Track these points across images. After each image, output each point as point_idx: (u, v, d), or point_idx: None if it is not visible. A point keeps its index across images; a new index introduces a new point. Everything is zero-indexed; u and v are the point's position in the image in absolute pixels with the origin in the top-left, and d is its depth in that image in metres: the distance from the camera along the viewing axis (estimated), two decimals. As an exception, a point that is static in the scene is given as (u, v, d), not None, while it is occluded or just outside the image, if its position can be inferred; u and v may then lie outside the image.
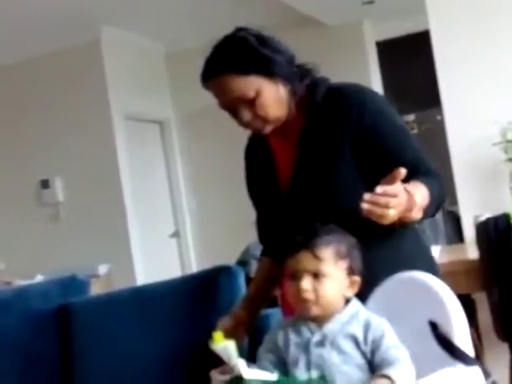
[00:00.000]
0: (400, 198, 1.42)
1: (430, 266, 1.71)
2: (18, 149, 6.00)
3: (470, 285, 3.01)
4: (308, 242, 1.48)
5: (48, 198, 5.92)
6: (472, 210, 3.65)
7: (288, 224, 1.73)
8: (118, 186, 5.75)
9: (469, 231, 3.78)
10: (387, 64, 6.31)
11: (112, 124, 5.77)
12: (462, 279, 2.93)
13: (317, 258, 1.46)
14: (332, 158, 1.69)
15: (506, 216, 2.75)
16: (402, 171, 1.43)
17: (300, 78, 1.74)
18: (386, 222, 1.42)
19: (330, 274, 1.46)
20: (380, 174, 1.51)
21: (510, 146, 3.76)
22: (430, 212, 1.61)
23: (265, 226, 1.90)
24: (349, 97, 1.72)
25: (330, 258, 1.47)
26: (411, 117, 5.85)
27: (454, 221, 4.48)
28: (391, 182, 1.43)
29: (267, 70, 1.68)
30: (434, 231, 4.45)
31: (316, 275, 1.46)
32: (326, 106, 1.74)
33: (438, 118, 5.06)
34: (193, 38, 5.87)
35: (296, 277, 1.48)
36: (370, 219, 1.42)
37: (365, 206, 1.39)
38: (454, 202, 4.04)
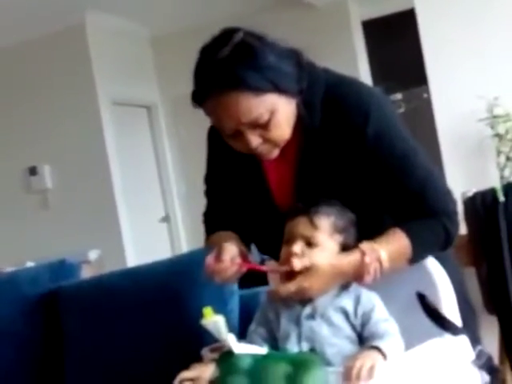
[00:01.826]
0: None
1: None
2: (5, 136, 5.97)
3: (459, 260, 3.02)
4: (308, 208, 1.49)
5: (36, 185, 5.90)
6: (459, 186, 3.65)
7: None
8: (107, 171, 5.74)
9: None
10: (373, 43, 6.30)
11: (99, 109, 5.75)
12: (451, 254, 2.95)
13: (313, 225, 1.46)
14: (334, 183, 1.57)
15: (492, 191, 2.76)
16: None
17: (303, 78, 1.50)
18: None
19: (323, 245, 1.46)
20: (381, 199, 1.52)
21: (496, 121, 3.78)
22: (419, 257, 1.51)
23: (232, 215, 1.72)
24: (348, 119, 1.52)
25: (326, 229, 1.47)
26: (398, 96, 5.86)
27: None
28: None
29: (281, 84, 1.42)
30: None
31: (309, 243, 1.46)
32: (324, 128, 1.54)
33: (425, 96, 5.08)
34: (178, 21, 5.85)
35: (290, 240, 1.48)
36: (372, 224, 1.44)
37: None
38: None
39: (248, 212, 1.69)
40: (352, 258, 1.45)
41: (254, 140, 1.44)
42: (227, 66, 1.39)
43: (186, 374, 1.46)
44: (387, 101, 1.62)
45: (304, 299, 1.46)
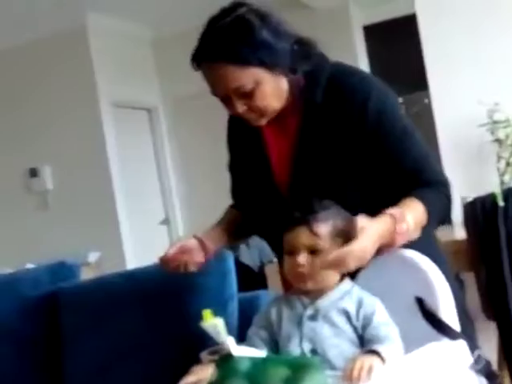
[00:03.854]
0: (356, 253, 1.44)
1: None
2: (6, 137, 5.98)
3: (458, 265, 3.03)
4: (306, 217, 1.49)
5: (37, 187, 5.90)
6: (459, 191, 3.65)
7: (283, 213, 1.65)
8: (107, 173, 5.74)
9: (456, 212, 3.80)
10: (374, 48, 6.31)
11: (100, 111, 5.75)
12: (450, 260, 2.94)
13: (314, 233, 1.47)
14: (332, 159, 1.63)
15: (492, 196, 2.76)
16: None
17: (303, 59, 1.61)
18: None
19: (326, 250, 1.47)
20: (380, 177, 1.53)
21: (496, 126, 3.79)
22: (431, 226, 1.58)
23: (243, 199, 1.84)
24: (351, 96, 1.61)
25: (327, 234, 1.48)
26: (399, 100, 5.86)
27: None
28: None
29: (271, 61, 1.55)
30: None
31: (313, 251, 1.47)
32: (326, 104, 1.63)
33: (426, 101, 5.08)
34: (179, 23, 5.85)
35: (293, 252, 1.49)
36: (369, 208, 1.46)
37: None
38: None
39: (251, 192, 1.78)
40: (384, 222, 1.47)
41: (240, 107, 1.57)
42: (221, 38, 1.53)
43: (187, 379, 1.46)
44: (388, 87, 1.70)
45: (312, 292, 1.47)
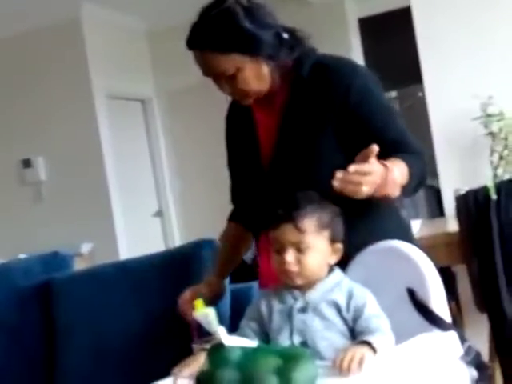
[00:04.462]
0: (373, 176, 1.44)
1: (407, 240, 1.71)
2: (-1, 128, 5.96)
3: (451, 258, 3.04)
4: (290, 214, 1.49)
5: (30, 177, 5.88)
6: (452, 184, 3.66)
7: (268, 195, 1.74)
8: (101, 164, 5.72)
9: (449, 205, 3.81)
10: (369, 41, 6.30)
11: (94, 102, 5.73)
12: (442, 252, 2.96)
13: (299, 230, 1.47)
14: (314, 132, 1.70)
15: (485, 189, 2.77)
16: (375, 148, 1.44)
17: (289, 48, 1.72)
18: (360, 197, 1.45)
19: (313, 245, 1.48)
20: (361, 149, 1.52)
21: (489, 120, 3.78)
22: (409, 189, 1.61)
23: (240, 191, 1.90)
24: (336, 73, 1.71)
25: (313, 229, 1.48)
26: (393, 93, 5.87)
27: (435, 195, 4.51)
28: (365, 159, 1.45)
29: (251, 50, 1.67)
30: (414, 206, 4.48)
31: (299, 247, 1.47)
32: (312, 80, 1.73)
33: (420, 94, 5.08)
34: (174, 15, 5.83)
35: (280, 249, 1.49)
36: (342, 195, 1.44)
37: (336, 183, 1.42)
38: (435, 176, 4.06)
39: (241, 174, 1.87)
40: (379, 167, 1.47)
41: (225, 88, 1.72)
42: (206, 28, 1.68)
43: (180, 370, 1.46)
44: (372, 76, 1.79)
45: (298, 286, 1.47)
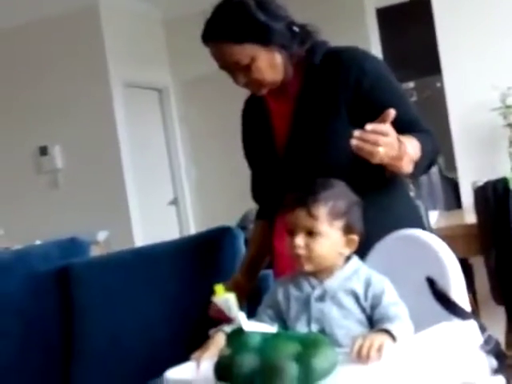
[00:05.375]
0: (390, 137, 1.47)
1: (419, 227, 1.71)
2: (16, 116, 5.98)
3: (468, 249, 3.03)
4: (305, 199, 1.48)
5: (47, 165, 5.92)
6: (470, 176, 3.65)
7: (284, 182, 1.75)
8: (117, 152, 5.75)
9: (467, 197, 3.79)
10: (387, 31, 6.26)
11: (111, 91, 5.75)
12: (459, 244, 2.94)
13: (312, 215, 1.46)
14: (327, 115, 1.74)
15: (504, 180, 2.76)
16: (392, 112, 1.47)
17: (300, 41, 1.76)
18: (376, 160, 1.48)
19: (324, 233, 1.46)
20: None
21: (508, 111, 3.76)
22: (421, 167, 1.64)
23: (260, 186, 1.92)
24: (348, 61, 1.75)
25: (325, 217, 1.47)
26: (411, 84, 5.83)
27: (453, 187, 4.48)
28: (381, 122, 1.47)
29: (264, 39, 1.71)
30: (432, 197, 4.46)
31: (310, 232, 1.47)
32: (324, 68, 1.77)
33: (438, 85, 5.05)
34: (191, 4, 5.81)
35: (292, 232, 1.49)
36: (360, 168, 1.49)
37: (354, 141, 1.44)
38: (453, 168, 4.04)
39: (258, 166, 1.90)
40: (394, 133, 1.49)
41: (241, 78, 1.75)
42: (221, 20, 1.73)
43: (200, 354, 1.46)
44: (384, 64, 1.83)
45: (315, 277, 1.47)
